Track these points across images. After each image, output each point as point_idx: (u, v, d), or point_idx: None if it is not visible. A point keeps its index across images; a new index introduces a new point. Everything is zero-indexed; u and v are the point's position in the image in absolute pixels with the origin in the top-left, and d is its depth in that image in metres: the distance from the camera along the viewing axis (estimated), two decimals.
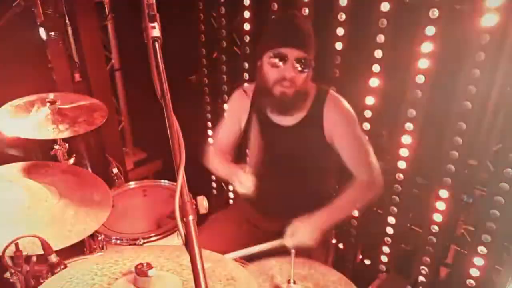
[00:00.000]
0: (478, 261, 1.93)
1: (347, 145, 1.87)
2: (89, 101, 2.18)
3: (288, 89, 1.75)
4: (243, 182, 1.74)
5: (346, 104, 1.88)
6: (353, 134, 1.87)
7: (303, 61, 1.72)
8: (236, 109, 2.03)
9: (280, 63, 1.73)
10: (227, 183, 3.18)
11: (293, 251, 1.37)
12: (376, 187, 1.86)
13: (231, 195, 3.13)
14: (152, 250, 1.19)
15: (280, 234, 1.72)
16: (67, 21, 2.95)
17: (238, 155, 2.11)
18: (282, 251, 1.62)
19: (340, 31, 2.16)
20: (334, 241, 2.48)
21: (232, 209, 2.15)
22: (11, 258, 1.29)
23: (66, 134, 1.94)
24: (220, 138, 2.10)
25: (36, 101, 2.08)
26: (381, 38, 1.99)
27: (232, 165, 1.89)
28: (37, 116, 2.01)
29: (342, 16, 2.11)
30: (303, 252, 1.51)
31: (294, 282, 1.36)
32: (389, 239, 2.26)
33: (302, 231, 1.70)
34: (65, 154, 2.17)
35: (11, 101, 2.07)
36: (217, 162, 2.00)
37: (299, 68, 1.73)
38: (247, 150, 2.11)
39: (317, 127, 1.85)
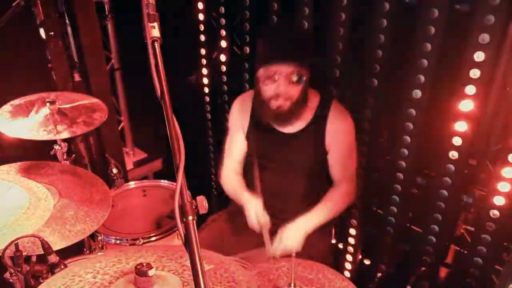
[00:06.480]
0: (478, 261, 1.93)
1: (341, 154, 1.88)
2: (89, 101, 2.17)
3: (284, 102, 1.74)
4: (259, 216, 1.73)
5: (348, 114, 1.87)
6: (350, 145, 1.89)
7: (295, 74, 1.69)
8: (238, 117, 2.02)
9: (272, 80, 1.71)
10: None
11: (293, 254, 1.37)
12: (353, 196, 1.96)
13: None
14: (154, 250, 1.19)
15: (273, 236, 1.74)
16: (67, 21, 2.96)
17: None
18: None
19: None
20: (334, 241, 2.49)
21: (230, 210, 2.14)
22: (11, 258, 1.29)
23: (64, 135, 1.93)
24: (230, 149, 2.07)
25: (36, 101, 2.07)
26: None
27: (248, 192, 1.87)
28: (36, 117, 2.01)
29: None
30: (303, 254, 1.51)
31: (295, 285, 1.36)
32: (389, 239, 2.26)
33: (289, 237, 1.71)
34: (65, 154, 2.17)
35: (11, 101, 2.07)
36: (233, 184, 1.98)
37: (293, 81, 1.70)
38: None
39: (319, 136, 1.85)
